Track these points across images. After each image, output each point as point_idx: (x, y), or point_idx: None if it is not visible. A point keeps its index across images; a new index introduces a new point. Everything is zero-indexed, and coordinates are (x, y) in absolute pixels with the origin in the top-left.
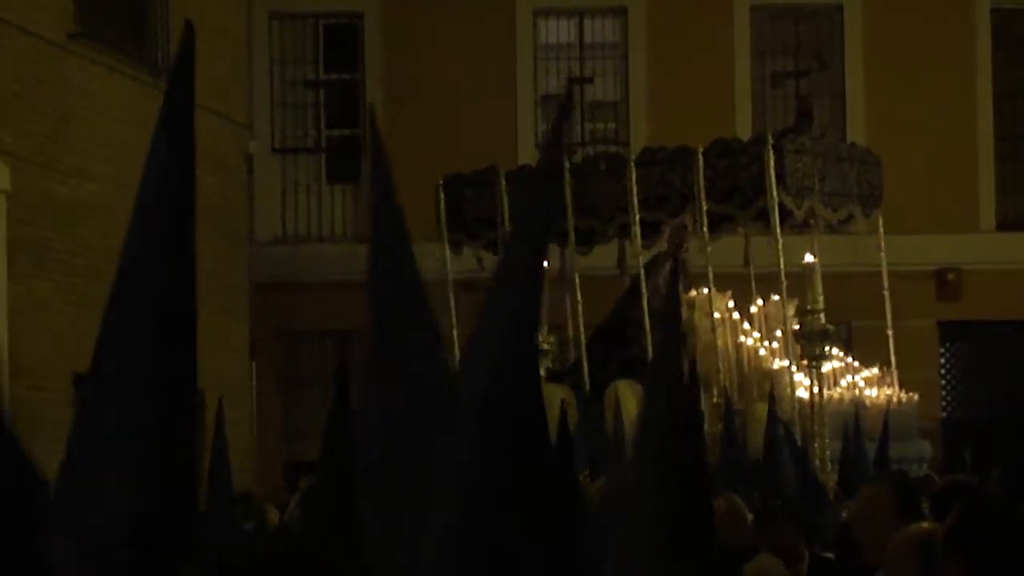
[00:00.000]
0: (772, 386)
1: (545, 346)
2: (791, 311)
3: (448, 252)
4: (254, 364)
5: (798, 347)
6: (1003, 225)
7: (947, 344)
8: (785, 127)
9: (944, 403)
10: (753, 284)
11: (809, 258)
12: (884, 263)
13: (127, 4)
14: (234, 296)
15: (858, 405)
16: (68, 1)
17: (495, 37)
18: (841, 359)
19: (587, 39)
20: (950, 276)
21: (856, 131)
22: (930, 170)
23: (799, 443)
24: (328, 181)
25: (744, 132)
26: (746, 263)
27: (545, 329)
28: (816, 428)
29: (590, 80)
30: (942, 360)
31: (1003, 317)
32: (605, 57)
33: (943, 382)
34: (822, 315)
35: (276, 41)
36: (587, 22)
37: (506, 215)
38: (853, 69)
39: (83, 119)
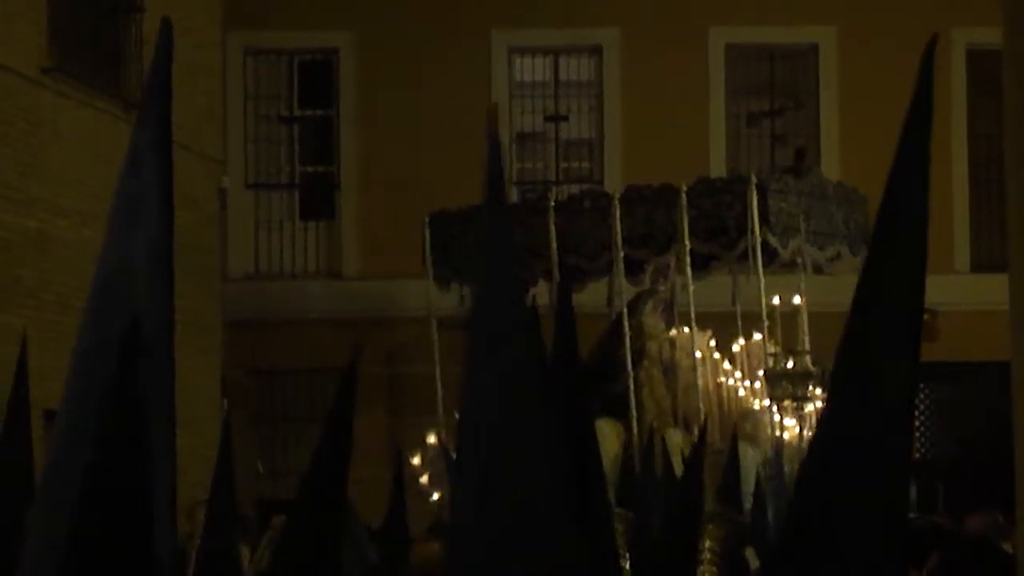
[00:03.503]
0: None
1: None
2: (771, 349)
3: (432, 289)
4: (225, 401)
5: (778, 387)
6: (978, 266)
7: (921, 385)
8: (785, 167)
9: (918, 443)
10: (739, 323)
11: (796, 299)
12: None
13: (101, 39)
14: (206, 333)
15: None
16: (41, 36)
17: (470, 74)
18: (824, 399)
19: (562, 77)
20: (925, 317)
21: (832, 170)
22: None
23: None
24: (302, 218)
25: (719, 171)
26: (733, 302)
27: None
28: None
29: (565, 118)
30: (917, 401)
31: (978, 359)
32: (580, 95)
33: (917, 423)
34: (807, 356)
35: (251, 77)
36: (562, 60)
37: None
38: (828, 108)
39: (55, 153)
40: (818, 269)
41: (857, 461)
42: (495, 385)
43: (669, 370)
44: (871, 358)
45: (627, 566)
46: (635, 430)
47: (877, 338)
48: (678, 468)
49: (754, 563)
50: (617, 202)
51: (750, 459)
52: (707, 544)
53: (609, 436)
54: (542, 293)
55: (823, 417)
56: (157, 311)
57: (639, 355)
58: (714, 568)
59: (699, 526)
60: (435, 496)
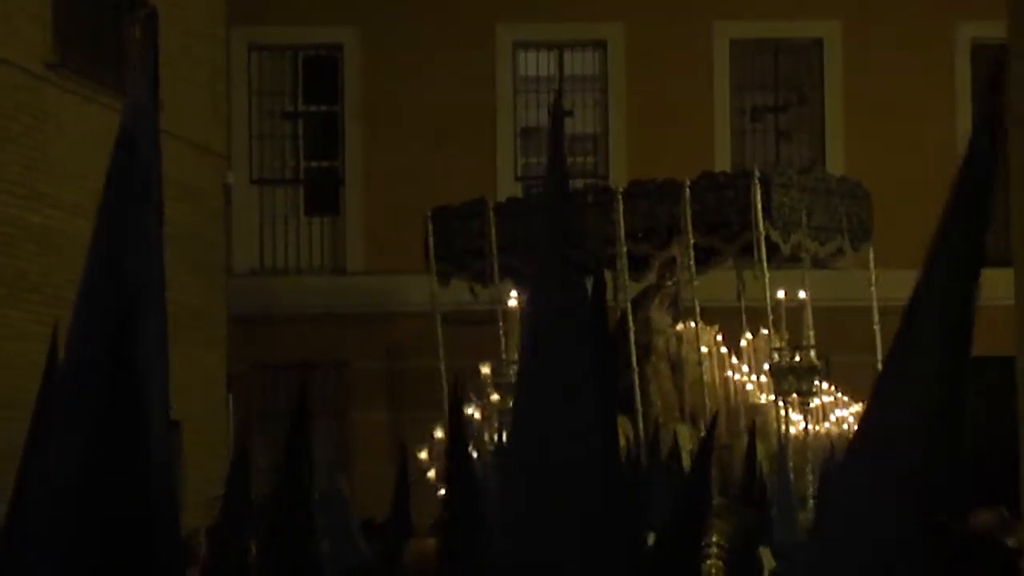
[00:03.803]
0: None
1: None
2: (776, 343)
3: (435, 284)
4: (231, 396)
5: (784, 382)
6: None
7: None
8: (801, 167)
9: None
10: (744, 318)
11: (801, 294)
12: (875, 298)
13: (105, 34)
14: (211, 328)
15: (839, 440)
16: (46, 31)
17: (475, 69)
18: (831, 394)
19: (567, 71)
20: None
21: (836, 164)
22: (909, 204)
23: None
24: (306, 213)
25: (723, 165)
26: (738, 297)
27: (516, 365)
28: (795, 464)
29: (569, 113)
30: None
31: (984, 353)
32: (584, 90)
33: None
34: (812, 351)
35: (255, 72)
36: (567, 55)
37: (494, 247)
38: (832, 103)
39: (60, 148)
40: (820, 264)
41: (905, 452)
42: (551, 370)
43: (676, 365)
44: (923, 351)
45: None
46: (641, 425)
47: (930, 332)
48: (686, 463)
49: (769, 563)
50: (620, 197)
51: (758, 454)
52: (714, 539)
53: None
54: None
55: (869, 410)
56: (149, 277)
57: (646, 350)
58: (720, 563)
59: (706, 521)
60: (442, 491)
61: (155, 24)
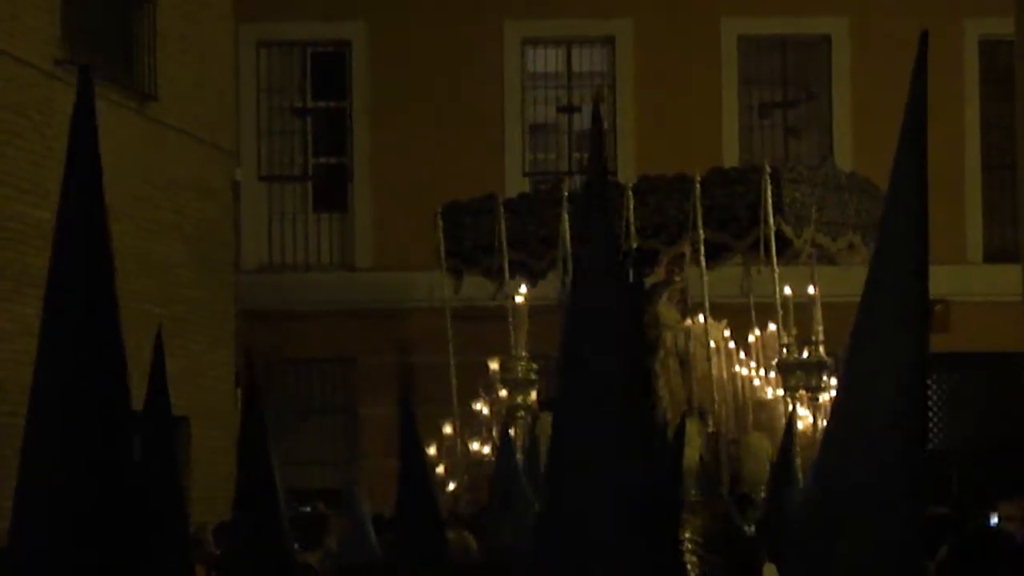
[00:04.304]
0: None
1: (532, 376)
2: (785, 340)
3: (446, 280)
4: (239, 392)
5: (792, 377)
6: (990, 257)
7: (934, 375)
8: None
9: (931, 434)
10: (753, 314)
11: (810, 290)
12: None
13: (114, 31)
14: (220, 324)
15: None
16: (55, 28)
17: (483, 65)
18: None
19: (575, 68)
20: (937, 307)
21: (844, 161)
22: None
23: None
24: (315, 209)
25: (732, 161)
26: (746, 293)
27: (525, 361)
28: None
29: (578, 109)
30: (929, 391)
31: (990, 349)
32: (593, 86)
33: (929, 413)
34: (821, 347)
35: (264, 69)
36: (575, 51)
37: (504, 243)
38: (840, 99)
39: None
40: (831, 259)
41: (872, 446)
42: (594, 359)
43: (684, 360)
44: (882, 342)
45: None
46: None
47: (887, 324)
48: (694, 458)
49: None
50: (630, 192)
51: (765, 450)
52: (687, 535)
53: None
54: (552, 284)
55: (836, 402)
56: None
57: (654, 345)
58: (694, 558)
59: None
60: (451, 486)
61: (89, 83)
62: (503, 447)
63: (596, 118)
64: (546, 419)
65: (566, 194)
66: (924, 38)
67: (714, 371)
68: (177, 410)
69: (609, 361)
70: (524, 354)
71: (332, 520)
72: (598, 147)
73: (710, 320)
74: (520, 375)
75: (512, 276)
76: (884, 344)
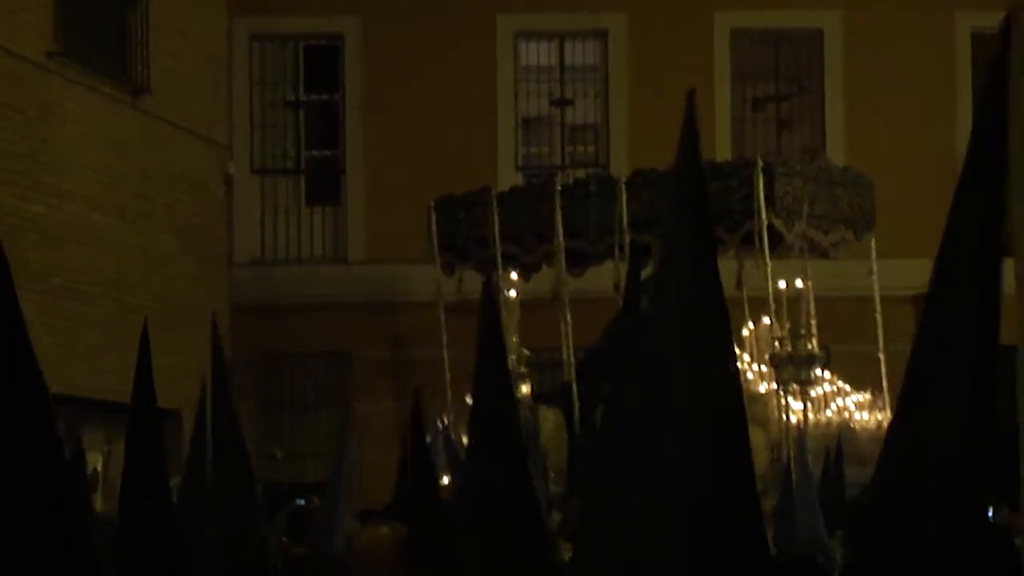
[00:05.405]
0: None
1: (522, 369)
2: (777, 332)
3: (440, 273)
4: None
5: (784, 371)
6: None
7: None
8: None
9: None
10: (746, 307)
11: (799, 283)
12: (876, 287)
13: (107, 24)
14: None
15: (842, 429)
16: (48, 21)
17: (476, 59)
18: (832, 382)
19: (567, 62)
20: None
21: (836, 155)
22: (910, 194)
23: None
24: (308, 202)
25: (724, 155)
26: (738, 286)
27: (516, 356)
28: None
29: (570, 102)
30: None
31: None
32: (585, 80)
33: None
34: (814, 340)
35: (257, 62)
36: (568, 45)
37: (497, 236)
38: (833, 93)
39: (62, 138)
40: (822, 253)
41: (939, 432)
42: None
43: None
44: (951, 335)
45: None
46: None
47: (956, 316)
48: None
49: None
50: (623, 186)
51: (758, 443)
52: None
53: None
54: (545, 278)
55: (904, 393)
56: None
57: None
58: None
59: None
60: (444, 480)
61: None
62: None
63: (690, 105)
64: (546, 413)
65: (558, 188)
66: (1007, 21)
67: None
68: (168, 403)
69: (715, 363)
70: (515, 340)
71: (316, 511)
72: (693, 139)
73: None
74: (512, 368)
75: (504, 269)
76: (956, 321)
